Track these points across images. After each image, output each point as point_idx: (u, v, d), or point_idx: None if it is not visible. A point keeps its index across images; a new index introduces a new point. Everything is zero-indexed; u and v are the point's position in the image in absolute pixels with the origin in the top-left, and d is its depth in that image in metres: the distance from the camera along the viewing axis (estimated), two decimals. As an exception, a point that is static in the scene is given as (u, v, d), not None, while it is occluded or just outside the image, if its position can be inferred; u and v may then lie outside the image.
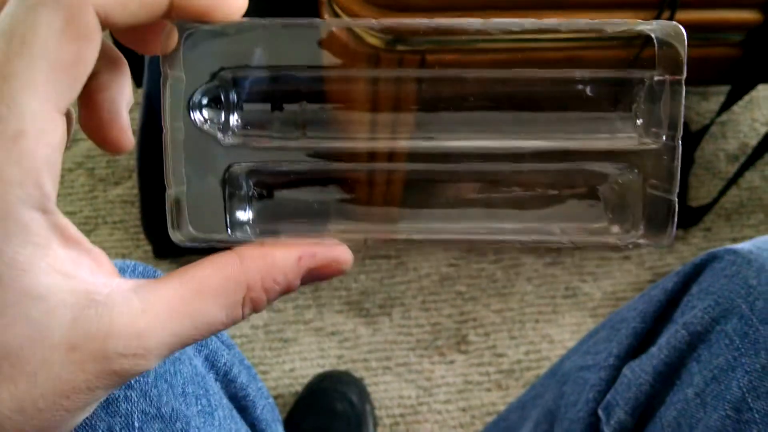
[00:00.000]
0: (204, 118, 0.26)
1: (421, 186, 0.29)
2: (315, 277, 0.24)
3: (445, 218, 0.30)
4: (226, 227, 0.27)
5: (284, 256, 0.23)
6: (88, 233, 0.93)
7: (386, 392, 0.86)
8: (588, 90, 0.27)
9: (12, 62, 0.18)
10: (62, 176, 0.96)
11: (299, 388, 0.85)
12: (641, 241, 0.26)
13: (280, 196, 0.28)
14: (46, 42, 0.19)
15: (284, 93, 0.27)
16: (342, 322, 0.89)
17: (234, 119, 0.27)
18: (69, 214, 0.94)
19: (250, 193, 0.28)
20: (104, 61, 0.23)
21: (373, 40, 0.69)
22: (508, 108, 0.28)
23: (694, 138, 0.92)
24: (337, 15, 0.65)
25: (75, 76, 0.19)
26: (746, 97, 0.81)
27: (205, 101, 0.26)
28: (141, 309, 0.20)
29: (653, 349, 0.38)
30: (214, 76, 0.26)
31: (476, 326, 0.89)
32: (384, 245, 0.31)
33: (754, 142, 1.03)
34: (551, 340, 0.89)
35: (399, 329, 0.89)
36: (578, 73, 0.27)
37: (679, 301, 0.39)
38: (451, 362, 0.88)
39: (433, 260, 0.92)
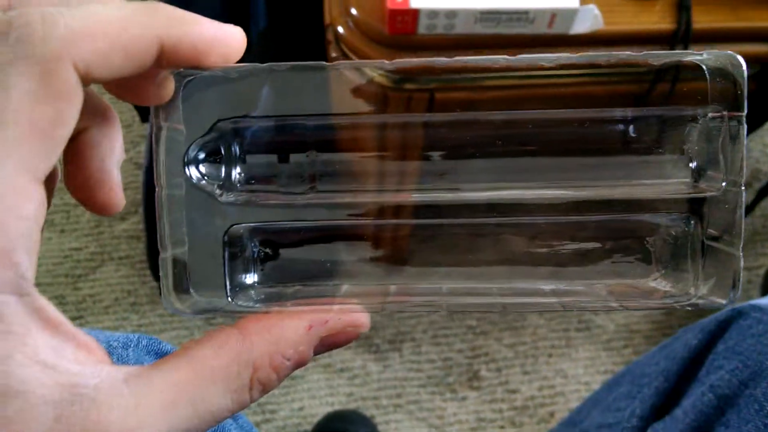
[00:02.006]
0: (201, 173, 0.24)
1: (448, 242, 0.27)
2: (329, 345, 0.22)
3: (476, 277, 0.27)
4: (227, 294, 0.24)
5: (292, 326, 0.21)
6: (94, 269, 0.92)
7: (397, 431, 0.84)
8: (631, 130, 0.24)
9: None
10: (68, 211, 0.95)
11: (308, 428, 0.83)
12: (700, 302, 0.23)
13: (288, 257, 0.26)
14: (19, 104, 0.17)
15: (291, 143, 0.25)
16: (351, 359, 0.87)
17: (235, 174, 0.25)
18: (75, 250, 0.93)
19: (255, 255, 0.26)
20: (92, 116, 0.21)
21: (380, 79, 0.68)
22: (542, 153, 0.25)
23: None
24: (345, 54, 0.64)
25: (53, 139, 0.17)
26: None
27: (202, 155, 0.24)
28: (134, 403, 0.18)
29: (678, 412, 0.36)
30: (211, 127, 0.24)
31: (488, 361, 0.88)
32: (405, 308, 0.30)
33: (767, 167, 1.02)
34: (565, 374, 0.87)
35: (409, 365, 0.87)
36: (619, 112, 0.24)
37: (704, 358, 0.38)
38: (463, 399, 0.86)
39: (437, 277, 0.91)
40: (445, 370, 0.87)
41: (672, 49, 0.62)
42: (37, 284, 0.18)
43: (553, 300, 0.24)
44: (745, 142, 0.22)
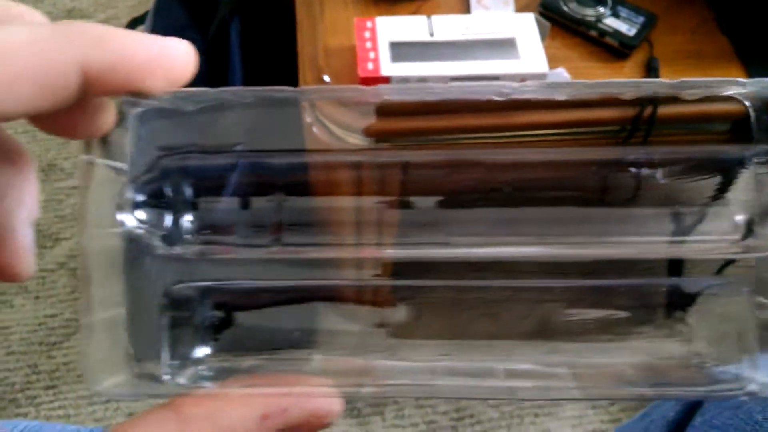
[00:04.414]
0: (139, 221, 0.20)
1: (438, 309, 0.22)
2: None
3: (475, 353, 0.22)
4: (166, 370, 0.20)
5: (242, 415, 0.17)
6: (68, 336, 0.90)
7: (381, 499, 0.82)
8: (658, 176, 0.20)
9: None
10: (43, 277, 0.93)
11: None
12: (753, 388, 0.18)
13: (247, 323, 0.22)
14: None
15: (253, 185, 0.21)
16: (332, 425, 0.85)
17: (185, 221, 0.21)
18: (49, 317, 0.91)
19: (206, 321, 0.21)
20: None
21: (353, 140, 0.69)
22: (546, 203, 0.21)
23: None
24: (318, 120, 0.64)
25: None
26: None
27: (140, 198, 0.20)
28: None
29: (658, 490, 0.35)
30: (153, 164, 0.20)
31: (473, 423, 0.86)
32: (386, 392, 0.21)
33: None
34: (552, 435, 0.85)
35: (393, 429, 0.85)
36: (641, 153, 0.20)
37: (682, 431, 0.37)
38: (449, 463, 0.84)
39: (426, 352, 0.89)
40: (430, 434, 0.85)
41: (642, 109, 0.62)
42: (11, 353, 0.16)
43: (568, 384, 0.19)
44: None
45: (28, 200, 0.18)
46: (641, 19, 0.62)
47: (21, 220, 0.17)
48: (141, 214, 0.20)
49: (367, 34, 0.58)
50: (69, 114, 0.17)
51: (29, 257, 0.18)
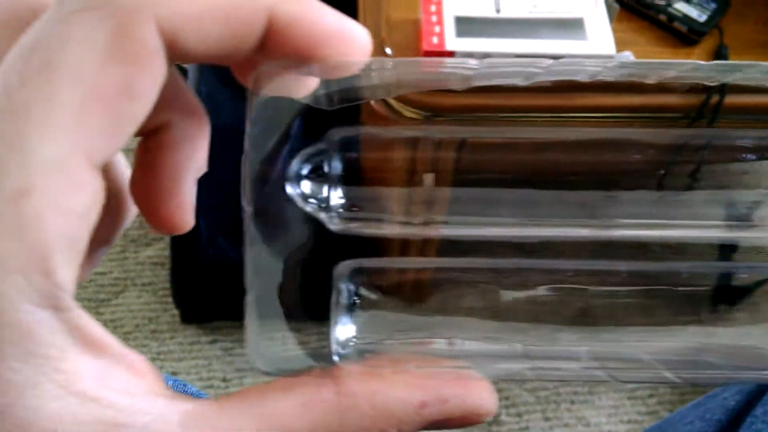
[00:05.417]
0: (305, 193, 0.19)
1: (615, 294, 0.21)
2: (438, 426, 0.17)
3: (632, 339, 0.21)
4: (332, 351, 0.19)
5: (402, 399, 0.16)
6: (116, 295, 0.93)
7: (413, 473, 0.82)
8: (720, 159, 0.20)
9: (27, 88, 0.13)
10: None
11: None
12: None
13: (397, 306, 0.21)
14: (80, 62, 0.13)
15: (411, 162, 0.21)
16: (370, 397, 0.86)
17: (346, 196, 0.20)
18: (99, 274, 0.93)
19: (354, 300, 0.21)
20: (177, 110, 0.17)
21: (409, 114, 0.69)
22: (600, 185, 0.20)
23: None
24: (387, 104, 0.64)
25: (122, 114, 0.14)
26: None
27: (306, 171, 0.19)
28: None
29: (714, 477, 0.35)
30: (321, 136, 0.19)
31: (509, 405, 0.86)
32: (549, 374, 0.19)
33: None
34: (587, 423, 0.85)
35: (428, 406, 0.86)
36: (704, 135, 0.20)
37: (741, 421, 0.37)
38: (482, 443, 0.84)
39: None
40: (465, 413, 0.85)
41: (708, 97, 0.61)
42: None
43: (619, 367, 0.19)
44: None
45: (199, 155, 0.18)
46: (713, 5, 0.60)
47: (190, 173, 0.18)
48: (305, 186, 0.20)
49: (433, 8, 0.57)
50: (242, 73, 0.17)
51: (190, 212, 0.18)
